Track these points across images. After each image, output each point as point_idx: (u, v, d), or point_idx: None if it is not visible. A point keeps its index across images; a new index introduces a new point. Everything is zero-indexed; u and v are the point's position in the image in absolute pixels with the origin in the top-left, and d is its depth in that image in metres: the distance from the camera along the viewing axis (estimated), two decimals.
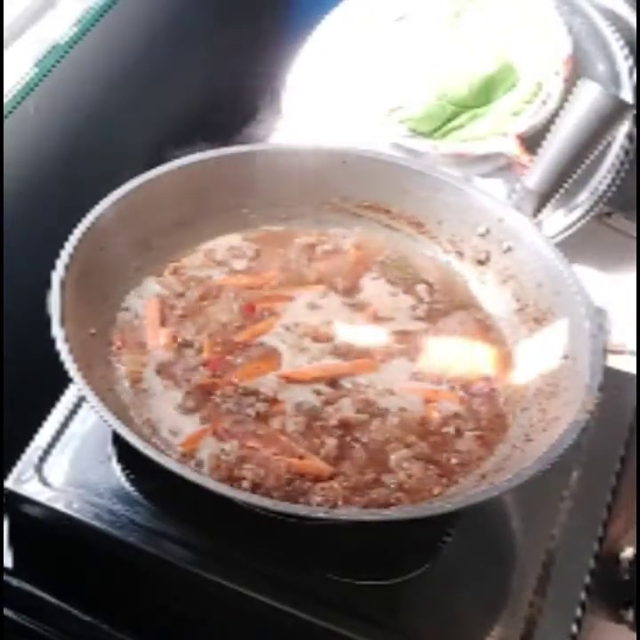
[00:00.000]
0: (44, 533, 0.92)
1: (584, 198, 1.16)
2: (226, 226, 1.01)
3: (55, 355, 0.81)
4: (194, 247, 1.00)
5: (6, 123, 1.00)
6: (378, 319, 0.97)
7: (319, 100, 1.25)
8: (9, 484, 0.89)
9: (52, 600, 0.93)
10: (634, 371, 1.04)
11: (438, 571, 0.86)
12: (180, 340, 0.92)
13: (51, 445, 0.91)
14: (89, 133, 1.12)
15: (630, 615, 0.95)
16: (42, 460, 0.90)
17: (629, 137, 1.14)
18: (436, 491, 0.84)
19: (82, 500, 0.88)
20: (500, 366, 0.94)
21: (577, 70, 1.16)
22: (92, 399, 0.79)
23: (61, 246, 0.88)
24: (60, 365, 0.80)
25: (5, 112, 1.00)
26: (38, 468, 0.90)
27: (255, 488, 0.82)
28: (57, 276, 0.86)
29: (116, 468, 0.90)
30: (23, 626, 0.94)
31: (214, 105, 1.33)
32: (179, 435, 0.85)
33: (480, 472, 0.85)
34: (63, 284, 0.85)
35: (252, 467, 0.83)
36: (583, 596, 0.86)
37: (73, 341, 0.82)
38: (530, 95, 1.17)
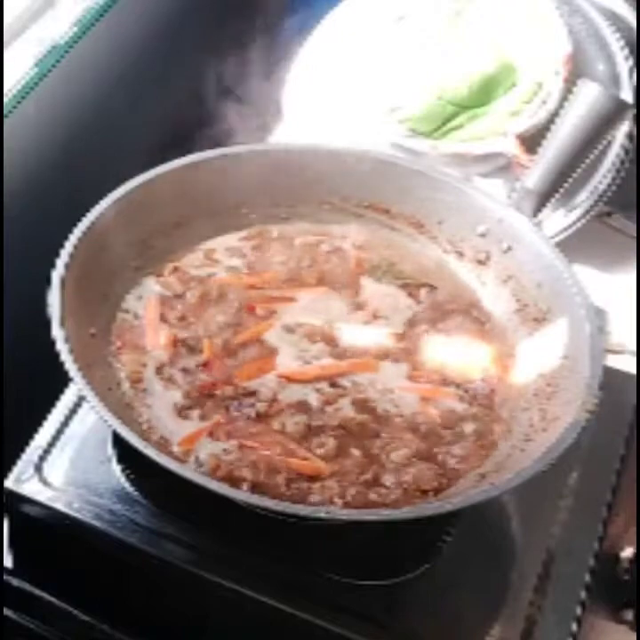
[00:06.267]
0: (43, 533, 0.92)
1: (584, 198, 1.16)
2: (225, 226, 1.01)
3: (55, 355, 0.81)
4: (194, 247, 1.00)
5: (6, 123, 1.00)
6: (377, 319, 0.97)
7: (319, 100, 1.25)
8: (9, 483, 0.89)
9: (52, 600, 0.93)
10: (634, 370, 1.04)
11: (438, 571, 0.86)
12: (179, 340, 0.92)
13: (51, 445, 0.91)
14: (89, 133, 1.12)
15: (630, 615, 0.95)
16: (42, 459, 0.90)
17: (629, 136, 1.14)
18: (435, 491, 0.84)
19: (82, 500, 0.88)
20: (500, 366, 0.93)
21: (577, 70, 1.16)
22: (92, 399, 0.79)
23: (61, 246, 0.88)
24: (60, 365, 0.80)
25: (5, 112, 1.00)
26: (38, 468, 0.90)
27: (255, 488, 0.81)
28: (57, 275, 0.85)
29: (116, 468, 0.90)
30: (23, 626, 0.94)
31: (214, 105, 1.33)
32: (178, 435, 0.85)
33: (480, 472, 0.85)
34: (63, 283, 0.85)
35: (251, 466, 0.83)
36: (583, 594, 0.86)
37: (73, 341, 0.82)
38: (529, 95, 1.17)
